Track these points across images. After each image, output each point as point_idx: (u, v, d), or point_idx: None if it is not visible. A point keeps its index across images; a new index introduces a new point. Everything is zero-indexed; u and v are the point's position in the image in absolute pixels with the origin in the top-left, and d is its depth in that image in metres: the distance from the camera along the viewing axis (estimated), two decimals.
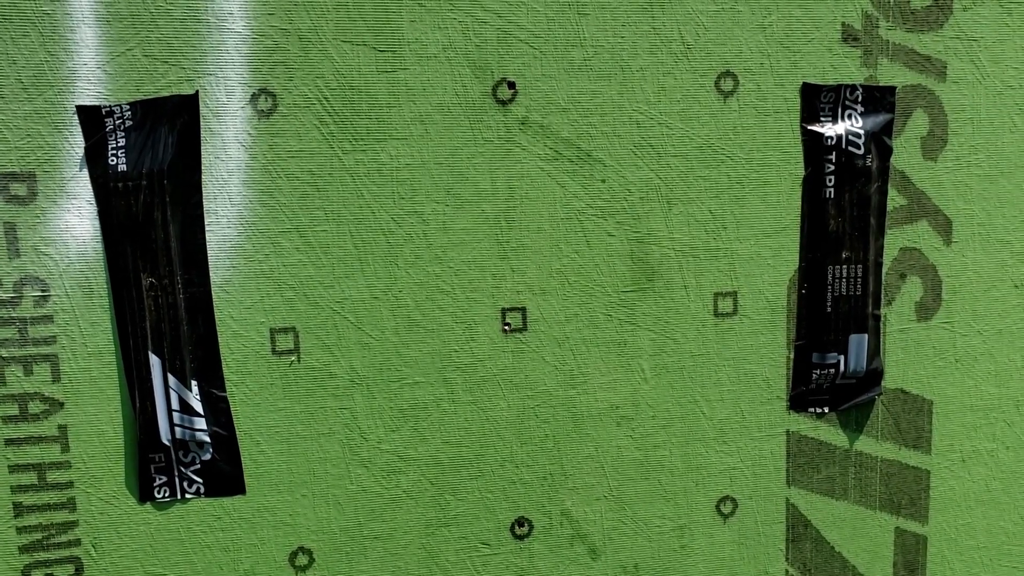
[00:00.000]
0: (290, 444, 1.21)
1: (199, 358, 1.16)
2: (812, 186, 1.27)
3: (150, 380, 1.14)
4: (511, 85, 1.18)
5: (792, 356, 1.32)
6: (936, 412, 1.37)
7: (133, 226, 1.10)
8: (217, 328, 1.16)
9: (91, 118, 1.08)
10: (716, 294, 1.28)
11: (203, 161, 1.12)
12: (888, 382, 1.35)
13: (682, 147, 1.23)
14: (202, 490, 1.19)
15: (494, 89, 1.18)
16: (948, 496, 1.41)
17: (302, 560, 1.24)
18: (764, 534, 1.37)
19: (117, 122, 1.08)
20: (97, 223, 1.11)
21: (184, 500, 1.19)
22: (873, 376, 1.33)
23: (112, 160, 1.09)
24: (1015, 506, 1.43)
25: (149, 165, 1.10)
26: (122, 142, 1.09)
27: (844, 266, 1.28)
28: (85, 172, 1.10)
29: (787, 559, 1.38)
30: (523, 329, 1.24)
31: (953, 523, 1.42)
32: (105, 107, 1.08)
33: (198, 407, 1.16)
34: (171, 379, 1.14)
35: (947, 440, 1.39)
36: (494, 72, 1.17)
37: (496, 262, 1.22)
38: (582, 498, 1.31)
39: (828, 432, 1.36)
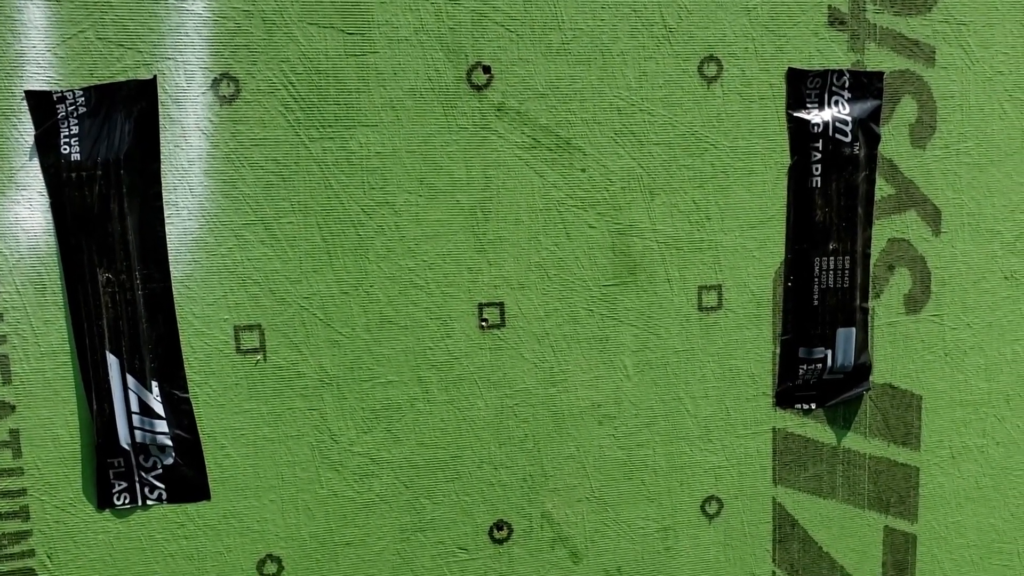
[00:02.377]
0: (257, 447, 1.17)
1: (159, 357, 1.12)
2: (798, 175, 1.25)
3: (108, 381, 1.10)
4: (486, 70, 1.15)
5: (778, 351, 1.30)
6: (925, 408, 1.36)
7: (88, 218, 1.06)
8: (178, 326, 1.12)
9: (41, 104, 1.03)
10: (700, 287, 1.26)
11: (162, 150, 1.08)
12: (876, 377, 1.33)
13: (665, 135, 1.21)
14: (164, 496, 1.15)
15: (468, 74, 1.15)
16: (938, 493, 1.39)
17: (271, 568, 1.20)
18: (750, 534, 1.35)
19: (70, 108, 1.04)
20: (49, 216, 1.07)
21: (145, 507, 1.15)
22: (861, 371, 1.31)
23: (65, 149, 1.04)
24: (1005, 503, 1.42)
25: (104, 154, 1.06)
26: (75, 130, 1.04)
27: (831, 258, 1.27)
28: (36, 161, 1.05)
29: (774, 560, 1.36)
30: (501, 325, 1.21)
31: (943, 521, 1.40)
32: (56, 92, 1.04)
33: (159, 409, 1.12)
34: (130, 380, 1.10)
35: (936, 436, 1.37)
36: (468, 56, 1.14)
37: (472, 255, 1.18)
38: (563, 500, 1.28)
39: (815, 429, 1.34)
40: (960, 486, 1.40)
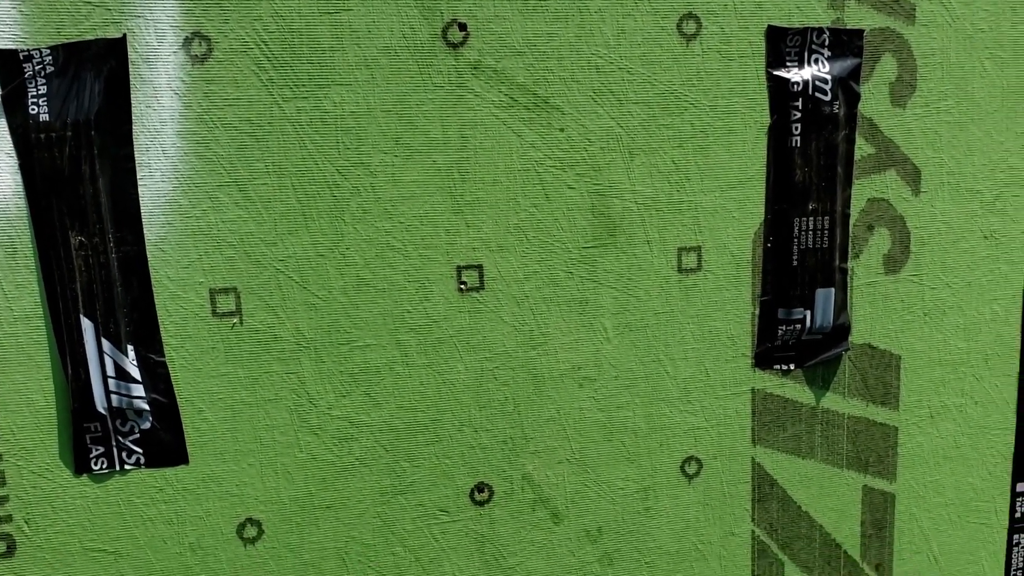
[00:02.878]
0: (234, 411, 1.17)
1: (135, 321, 1.11)
2: (778, 134, 1.24)
3: (83, 345, 1.09)
4: (462, 27, 1.14)
5: (757, 312, 1.31)
6: (904, 367, 1.37)
7: (59, 180, 1.05)
8: (153, 289, 1.11)
9: (7, 63, 1.02)
10: (680, 249, 1.26)
11: (133, 110, 1.07)
12: (855, 337, 1.35)
13: (643, 94, 1.20)
14: (142, 461, 1.16)
15: (444, 31, 1.14)
16: (916, 453, 1.41)
17: (251, 532, 1.21)
18: (729, 494, 1.37)
19: (37, 68, 1.03)
20: (19, 177, 1.06)
21: (123, 471, 1.15)
22: (840, 331, 1.32)
23: (33, 109, 1.03)
24: (983, 462, 1.44)
25: (74, 115, 1.04)
26: (43, 89, 1.03)
27: (811, 218, 1.27)
28: (3, 122, 1.04)
29: (753, 519, 1.38)
30: (480, 288, 1.21)
31: (921, 480, 1.42)
32: (23, 51, 1.02)
33: (135, 373, 1.12)
34: (105, 344, 1.10)
35: (915, 396, 1.39)
36: (444, 13, 1.13)
37: (450, 217, 1.18)
38: (544, 462, 1.29)
39: (794, 390, 1.35)
40: (939, 445, 1.42)
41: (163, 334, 1.13)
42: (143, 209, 1.09)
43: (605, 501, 1.33)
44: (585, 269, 1.24)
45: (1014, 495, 1.45)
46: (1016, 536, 1.47)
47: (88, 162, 1.05)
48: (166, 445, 1.16)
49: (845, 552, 1.42)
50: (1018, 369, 1.41)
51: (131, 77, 1.06)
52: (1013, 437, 1.44)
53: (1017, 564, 1.48)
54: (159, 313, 1.12)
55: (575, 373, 1.27)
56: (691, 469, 1.35)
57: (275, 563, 1.22)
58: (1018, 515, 1.46)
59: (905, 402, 1.39)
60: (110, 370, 1.11)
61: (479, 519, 1.29)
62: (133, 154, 1.08)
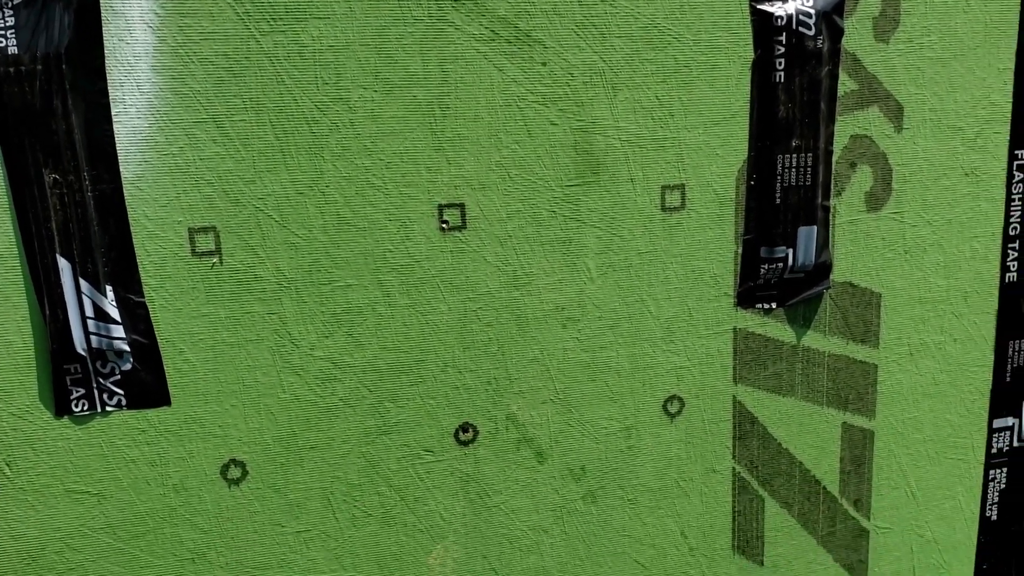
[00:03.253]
0: (216, 352, 1.17)
1: (113, 261, 1.10)
2: (762, 70, 1.24)
3: (60, 286, 1.09)
4: None
5: (740, 251, 1.31)
6: (884, 305, 1.39)
7: (30, 116, 1.03)
8: (131, 228, 1.10)
9: None
10: (664, 187, 1.26)
11: (105, 44, 1.05)
12: (837, 275, 1.36)
13: (627, 27, 1.19)
14: (124, 402, 1.15)
15: None
16: (895, 390, 1.43)
17: (235, 473, 1.21)
18: (711, 432, 1.39)
19: None
20: None
21: (105, 413, 1.15)
22: (822, 269, 1.33)
23: (0, 42, 1.01)
24: (961, 399, 1.47)
25: (44, 48, 1.02)
26: (11, 21, 1.01)
27: (794, 155, 1.27)
28: None
29: (734, 456, 1.40)
30: (462, 227, 1.21)
31: (900, 417, 1.45)
32: None
33: (114, 314, 1.11)
34: (83, 284, 1.09)
35: (895, 334, 1.41)
36: None
37: (430, 154, 1.17)
38: (528, 402, 1.30)
39: (776, 328, 1.37)
40: (917, 382, 1.44)
41: (142, 274, 1.12)
42: (119, 146, 1.08)
43: (588, 440, 1.34)
44: (568, 208, 1.24)
45: (991, 431, 1.48)
46: (992, 471, 1.50)
47: (60, 97, 1.04)
48: (147, 386, 1.16)
49: (824, 488, 1.45)
50: (996, 306, 1.43)
51: (102, 9, 1.04)
52: (991, 374, 1.46)
53: (993, 498, 1.52)
54: (137, 253, 1.11)
55: (559, 313, 1.28)
56: (673, 408, 1.36)
57: (260, 504, 1.23)
58: (994, 450, 1.49)
59: (885, 340, 1.41)
60: (89, 311, 1.10)
61: (464, 459, 1.30)
62: (107, 89, 1.06)
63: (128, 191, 1.09)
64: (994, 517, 1.52)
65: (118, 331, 1.12)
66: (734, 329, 1.35)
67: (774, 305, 1.35)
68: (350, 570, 1.29)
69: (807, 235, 1.31)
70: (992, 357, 1.46)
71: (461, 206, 1.20)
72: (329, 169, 1.15)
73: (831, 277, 1.35)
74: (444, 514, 1.31)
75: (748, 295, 1.33)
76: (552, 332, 1.28)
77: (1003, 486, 1.51)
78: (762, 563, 1.46)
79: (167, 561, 1.21)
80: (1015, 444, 1.50)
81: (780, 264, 1.31)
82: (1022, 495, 1.52)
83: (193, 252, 1.13)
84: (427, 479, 1.29)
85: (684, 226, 1.28)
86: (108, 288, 1.11)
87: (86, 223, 1.08)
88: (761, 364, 1.37)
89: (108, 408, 1.15)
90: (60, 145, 1.05)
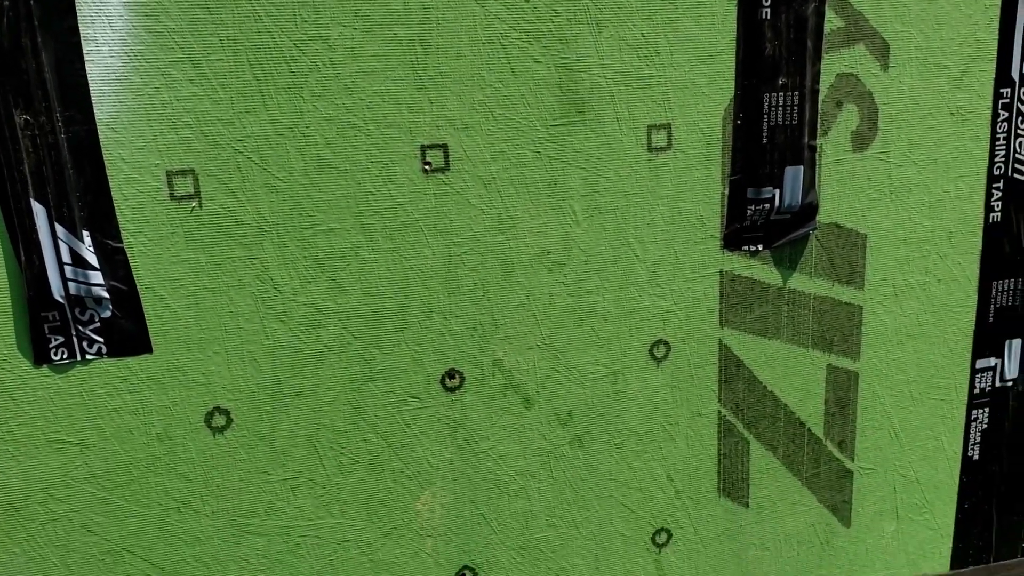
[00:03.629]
0: (197, 298, 1.16)
1: (89, 205, 1.09)
2: (748, 6, 1.23)
3: (35, 231, 1.07)
4: None
5: (727, 192, 1.31)
6: (870, 246, 1.40)
7: None
8: (107, 172, 1.08)
9: None
10: (650, 127, 1.25)
11: None
12: (823, 216, 1.36)
13: None
14: (104, 350, 1.14)
15: None
16: (880, 331, 1.45)
17: (219, 420, 1.21)
18: (697, 376, 1.39)
19: None
20: None
21: (85, 361, 1.14)
22: (808, 211, 1.34)
23: None
24: (945, 339, 1.48)
25: None
26: None
27: (780, 93, 1.27)
28: None
29: (720, 400, 1.41)
30: (445, 169, 1.20)
31: (884, 358, 1.46)
32: None
33: (92, 260, 1.10)
34: (59, 229, 1.07)
35: (880, 275, 1.42)
36: None
37: (412, 93, 1.16)
38: (514, 347, 1.30)
39: (762, 271, 1.37)
40: (902, 323, 1.45)
41: (119, 219, 1.10)
42: (91, 86, 1.05)
43: (575, 385, 1.35)
44: (553, 149, 1.23)
45: (973, 371, 1.50)
46: (974, 411, 1.52)
47: (29, 35, 1.01)
48: (128, 334, 1.15)
49: (809, 430, 1.46)
50: (980, 246, 1.45)
51: None
52: (974, 314, 1.48)
53: (975, 438, 1.54)
54: (114, 197, 1.09)
55: (544, 258, 1.28)
56: (659, 352, 1.37)
57: (246, 451, 1.23)
58: (977, 391, 1.51)
59: (870, 281, 1.41)
60: (65, 256, 1.09)
61: (451, 405, 1.30)
62: (77, 26, 1.03)
63: (103, 133, 1.07)
64: (976, 457, 1.55)
65: (96, 277, 1.11)
66: (720, 272, 1.35)
67: (760, 247, 1.35)
68: (338, 517, 1.29)
69: (794, 175, 1.30)
70: (976, 297, 1.47)
71: (444, 147, 1.19)
72: (309, 110, 1.13)
73: (817, 218, 1.35)
74: (431, 460, 1.31)
75: (734, 237, 1.33)
76: (538, 277, 1.28)
77: (985, 426, 1.54)
78: (747, 505, 1.48)
79: (152, 510, 1.21)
80: (997, 384, 1.52)
81: (767, 205, 1.31)
82: (1003, 435, 1.55)
83: (172, 196, 1.12)
84: (414, 425, 1.29)
85: (670, 167, 1.28)
86: (85, 233, 1.09)
87: (60, 166, 1.06)
88: (747, 307, 1.38)
89: (88, 356, 1.14)
90: (30, 85, 1.02)
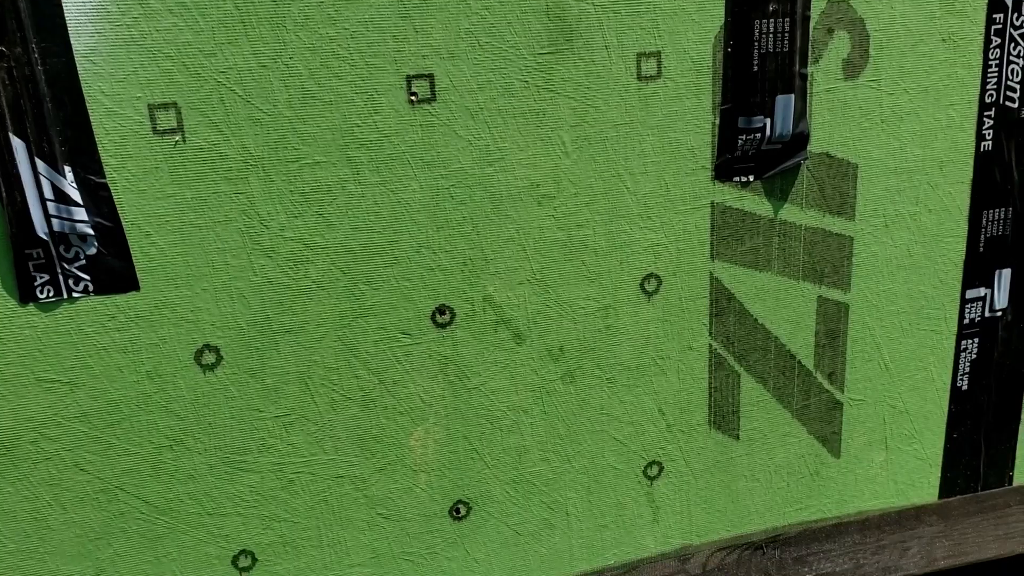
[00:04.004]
0: (184, 234, 1.16)
1: (70, 140, 1.08)
2: None
3: (15, 167, 1.06)
4: None
5: (717, 122, 1.31)
6: (861, 176, 1.40)
7: None
8: (87, 105, 1.07)
9: None
10: (639, 55, 1.25)
11: None
12: (813, 146, 1.36)
13: None
14: (91, 288, 1.14)
15: None
16: (870, 262, 1.46)
17: (209, 358, 1.21)
18: (688, 310, 1.41)
19: None
20: None
21: (72, 300, 1.14)
22: (799, 140, 1.34)
23: None
24: (935, 269, 1.49)
25: None
26: None
27: (771, 20, 1.26)
28: None
29: (711, 333, 1.43)
30: (431, 99, 1.19)
31: (875, 289, 1.48)
32: None
33: (75, 196, 1.09)
34: (40, 164, 1.07)
35: (871, 205, 1.42)
36: None
37: (396, 22, 1.15)
38: (504, 283, 1.31)
39: (753, 202, 1.38)
40: (892, 254, 1.46)
41: (101, 154, 1.09)
42: (68, 16, 1.04)
43: (566, 320, 1.36)
44: (541, 78, 1.22)
45: (963, 302, 1.52)
46: (964, 341, 1.54)
47: None
48: (115, 271, 1.14)
49: (799, 362, 1.48)
50: (971, 176, 1.45)
51: None
52: (964, 244, 1.49)
53: (964, 369, 1.56)
54: (96, 131, 1.09)
55: (533, 190, 1.28)
56: (651, 286, 1.38)
57: (236, 389, 1.24)
58: (967, 321, 1.53)
59: (861, 211, 1.42)
60: (48, 192, 1.08)
61: (442, 341, 1.31)
62: None
63: (81, 65, 1.06)
64: (965, 387, 1.58)
65: (80, 214, 1.10)
66: (711, 203, 1.36)
67: (751, 178, 1.35)
68: (331, 453, 1.31)
69: (785, 104, 1.30)
70: (966, 227, 1.48)
71: (430, 77, 1.18)
72: (292, 40, 1.12)
73: (808, 148, 1.35)
74: (424, 396, 1.33)
75: (726, 168, 1.34)
76: (527, 210, 1.28)
77: (974, 356, 1.56)
78: (738, 437, 1.50)
79: (144, 449, 1.22)
80: (987, 314, 1.54)
81: (758, 135, 1.31)
82: (992, 365, 1.57)
83: (154, 130, 1.11)
84: (405, 362, 1.30)
85: (660, 96, 1.28)
86: (67, 168, 1.08)
87: (38, 100, 1.05)
88: (738, 239, 1.39)
89: (75, 294, 1.14)
90: (4, 15, 1.01)
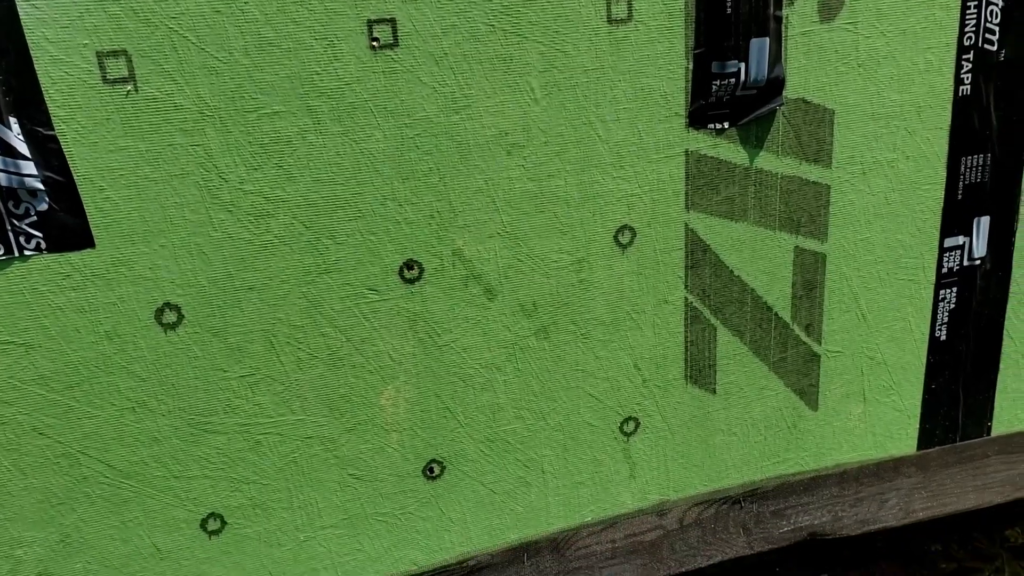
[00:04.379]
0: (139, 189, 1.13)
1: (14, 90, 1.04)
2: None
3: None
4: None
5: (691, 66, 1.29)
6: (837, 122, 1.39)
7: None
8: (31, 53, 1.04)
9: None
10: None
11: None
12: (789, 91, 1.35)
13: None
14: (43, 245, 1.11)
15: None
16: (847, 211, 1.45)
17: (170, 317, 1.19)
18: (663, 262, 1.39)
19: None
20: None
21: (23, 258, 1.11)
22: (774, 85, 1.32)
23: None
24: (913, 218, 1.49)
25: None
26: None
27: None
28: None
29: (686, 286, 1.42)
30: (394, 45, 1.16)
31: (852, 238, 1.47)
32: None
33: (22, 148, 1.06)
34: None
35: (848, 152, 1.41)
36: None
37: None
38: (474, 236, 1.29)
39: (728, 150, 1.36)
40: (870, 202, 1.45)
41: (49, 104, 1.06)
42: None
43: (539, 275, 1.34)
44: (508, 21, 1.19)
45: (941, 250, 1.52)
46: (942, 291, 1.54)
47: None
48: (68, 228, 1.12)
49: (776, 315, 1.48)
50: (949, 121, 1.44)
51: None
52: (943, 191, 1.48)
53: (942, 319, 1.56)
54: (42, 80, 1.05)
55: (502, 139, 1.25)
56: (625, 238, 1.36)
57: (199, 348, 1.22)
58: (945, 270, 1.53)
59: (838, 159, 1.41)
60: None
61: (410, 297, 1.29)
62: None
63: (23, 9, 1.02)
64: (943, 337, 1.58)
65: (29, 167, 1.07)
66: (686, 152, 1.34)
67: (726, 124, 1.33)
68: (299, 414, 1.29)
69: (759, 48, 1.28)
70: (944, 174, 1.47)
71: (392, 21, 1.15)
72: None
73: (784, 93, 1.33)
74: (393, 354, 1.31)
75: (699, 114, 1.32)
76: (496, 160, 1.26)
77: (952, 306, 1.56)
78: (714, 391, 1.50)
79: (106, 411, 1.20)
80: (965, 263, 1.54)
81: (732, 80, 1.29)
82: (971, 314, 1.57)
83: (104, 79, 1.07)
84: (373, 319, 1.28)
85: (632, 40, 1.25)
86: (12, 120, 1.05)
87: None
88: (713, 188, 1.37)
89: (27, 252, 1.11)
90: None
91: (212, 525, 1.29)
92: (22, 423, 1.17)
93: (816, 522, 1.60)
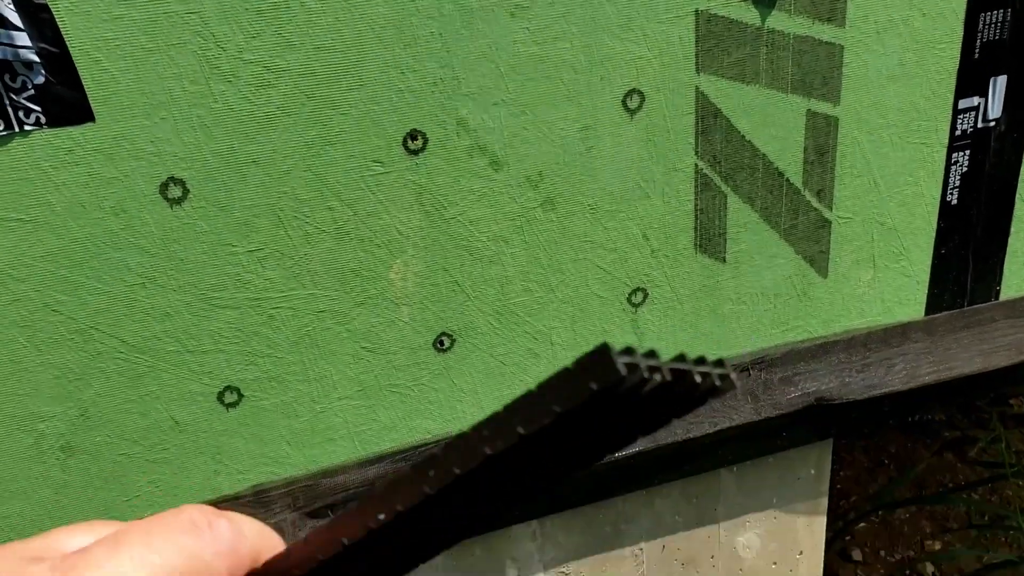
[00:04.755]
0: (136, 60, 1.12)
1: None
2: None
3: None
4: None
5: None
6: None
7: None
8: None
9: None
10: None
11: None
12: None
13: None
14: (43, 120, 1.11)
15: None
16: (861, 73, 1.43)
17: (175, 191, 1.20)
18: (672, 128, 1.39)
19: None
20: None
21: (24, 133, 1.11)
22: None
23: None
24: (927, 79, 1.47)
25: None
26: None
27: None
28: None
29: (696, 152, 1.41)
30: None
31: (864, 101, 1.45)
32: None
33: (14, 19, 1.04)
34: None
35: (862, 11, 1.38)
36: None
37: None
38: (478, 104, 1.28)
39: (739, 9, 1.33)
40: (884, 64, 1.43)
41: None
42: None
43: (545, 144, 1.34)
44: None
45: (955, 112, 1.50)
46: (955, 154, 1.54)
47: None
48: (67, 101, 1.11)
49: (787, 180, 1.47)
50: None
51: None
52: (959, 51, 1.46)
53: (954, 183, 1.56)
54: None
55: (506, 2, 1.23)
56: (633, 103, 1.35)
57: (206, 223, 1.23)
58: (959, 132, 1.52)
59: (852, 18, 1.38)
60: None
61: (415, 169, 1.29)
62: None
63: None
64: (954, 201, 1.58)
65: (22, 39, 1.06)
66: (696, 12, 1.31)
67: None
68: (310, 288, 1.31)
69: None
70: (961, 32, 1.45)
71: None
72: None
73: None
74: (400, 228, 1.32)
75: None
76: (500, 23, 1.24)
77: (965, 169, 1.55)
78: (724, 260, 1.51)
79: (116, 287, 1.22)
80: (979, 125, 1.52)
81: None
82: (983, 177, 1.57)
83: None
84: (378, 191, 1.29)
85: None
86: None
87: None
88: (725, 51, 1.35)
89: (27, 127, 1.11)
90: None
91: (229, 398, 1.33)
92: (34, 300, 1.19)
93: (823, 387, 1.64)
